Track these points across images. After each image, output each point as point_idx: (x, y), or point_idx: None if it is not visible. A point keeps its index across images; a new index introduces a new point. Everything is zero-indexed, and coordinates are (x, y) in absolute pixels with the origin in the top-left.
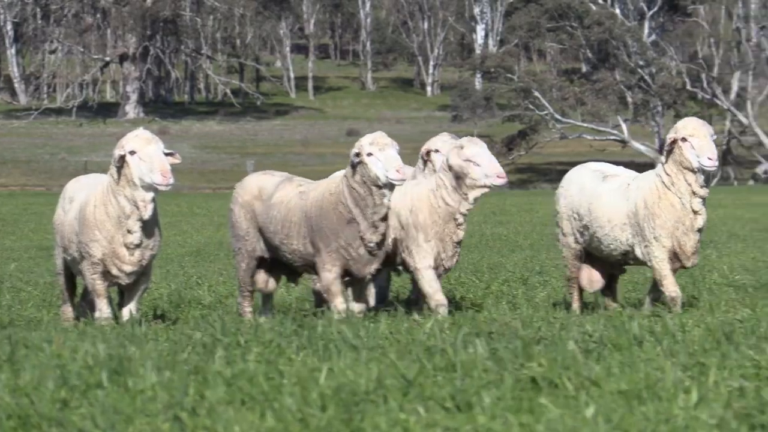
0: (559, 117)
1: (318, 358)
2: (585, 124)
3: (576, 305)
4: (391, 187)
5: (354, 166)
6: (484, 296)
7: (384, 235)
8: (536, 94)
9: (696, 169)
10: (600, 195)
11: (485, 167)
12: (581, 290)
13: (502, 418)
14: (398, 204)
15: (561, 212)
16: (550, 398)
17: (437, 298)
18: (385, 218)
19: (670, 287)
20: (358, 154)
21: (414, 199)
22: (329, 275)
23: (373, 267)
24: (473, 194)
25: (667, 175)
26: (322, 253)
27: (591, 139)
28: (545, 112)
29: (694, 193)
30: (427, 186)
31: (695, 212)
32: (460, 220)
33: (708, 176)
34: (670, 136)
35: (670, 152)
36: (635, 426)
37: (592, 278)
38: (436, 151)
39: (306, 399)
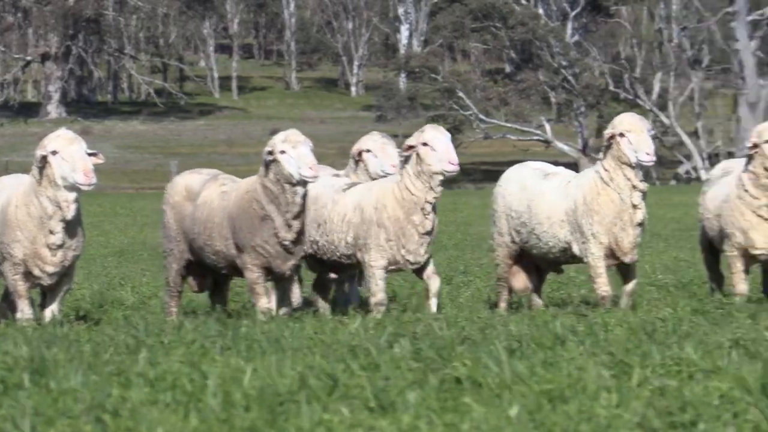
0: (483, 117)
1: (242, 358)
2: (509, 125)
3: (503, 305)
4: (304, 184)
5: (267, 164)
6: (410, 296)
7: (300, 233)
8: (460, 94)
9: (634, 165)
10: (542, 193)
11: (440, 153)
12: (510, 290)
13: (426, 418)
14: (363, 200)
15: (498, 211)
16: (474, 398)
17: (380, 297)
18: (299, 216)
19: (603, 286)
20: (271, 152)
21: (379, 195)
22: (252, 275)
23: (291, 263)
24: (432, 182)
25: (606, 170)
26: (243, 254)
27: (515, 139)
28: (469, 112)
29: (633, 187)
30: (392, 179)
31: (635, 206)
32: (428, 209)
33: (648, 171)
34: (607, 132)
35: (608, 148)
36: (558, 425)
37: (526, 283)
38: (368, 150)
39: (230, 399)
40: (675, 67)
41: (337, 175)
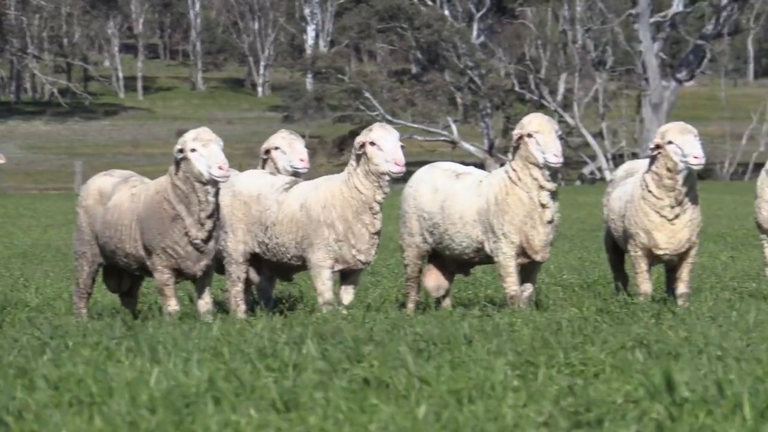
0: (390, 118)
1: (148, 360)
2: (415, 125)
3: (411, 306)
4: (214, 183)
5: (178, 163)
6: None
7: (211, 232)
8: (367, 94)
9: (541, 165)
10: (454, 193)
11: (387, 152)
12: (418, 291)
13: (333, 419)
14: (309, 199)
15: (409, 212)
16: (382, 398)
17: (327, 297)
18: (212, 215)
19: (512, 285)
20: (181, 150)
21: (327, 194)
22: (162, 277)
23: (203, 264)
24: (380, 181)
25: (514, 170)
26: (153, 256)
27: (421, 140)
28: (376, 113)
29: (541, 187)
30: (339, 178)
31: (543, 206)
32: (376, 208)
33: (555, 171)
34: (516, 132)
35: (516, 148)
36: (465, 425)
37: (440, 284)
38: (276, 148)
39: (136, 401)
40: (579, 68)
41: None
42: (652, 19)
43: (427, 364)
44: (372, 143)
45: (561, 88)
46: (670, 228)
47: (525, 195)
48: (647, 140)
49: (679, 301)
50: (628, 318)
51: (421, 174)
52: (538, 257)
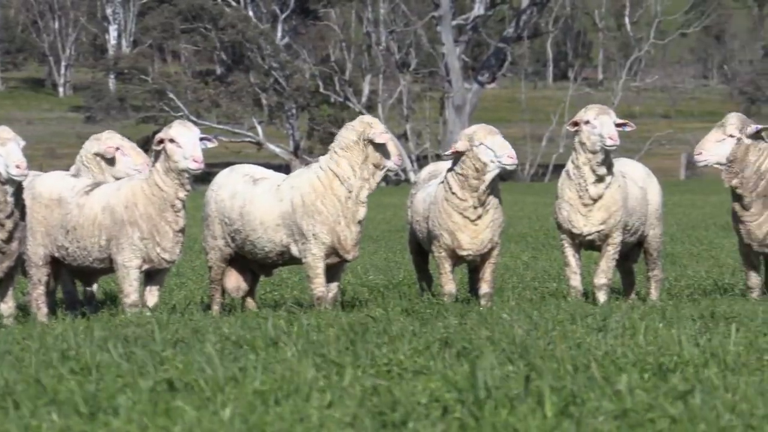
0: (195, 119)
1: None
2: (220, 126)
3: (216, 308)
4: (12, 182)
5: None
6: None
7: (12, 233)
8: (171, 95)
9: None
10: (252, 199)
11: (186, 149)
12: (223, 292)
13: (137, 422)
14: (111, 200)
15: (212, 215)
16: (187, 401)
17: (133, 299)
18: (11, 215)
19: (319, 287)
20: None
21: (128, 194)
22: None
23: (5, 265)
24: (181, 178)
25: (338, 165)
26: None
27: (227, 141)
28: (180, 114)
29: (368, 185)
30: (141, 177)
31: (362, 203)
32: (178, 206)
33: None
34: (368, 134)
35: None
36: (271, 426)
37: (239, 285)
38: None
39: None
40: (383, 69)
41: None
42: (455, 22)
43: (233, 365)
44: (171, 140)
45: (365, 90)
46: (473, 229)
47: (344, 193)
48: (450, 142)
49: (482, 301)
50: (432, 318)
51: (222, 178)
52: (349, 256)
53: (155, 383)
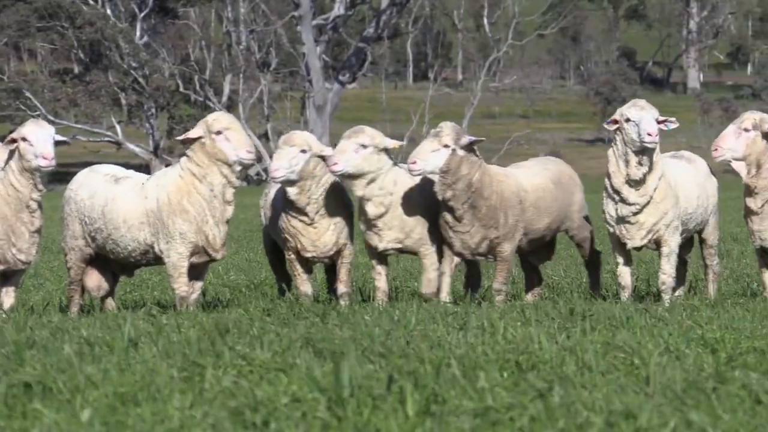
0: (53, 118)
1: None
2: (79, 126)
3: (75, 309)
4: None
5: None
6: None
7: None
8: (27, 94)
9: (232, 162)
10: (115, 197)
11: (36, 147)
12: (83, 293)
13: None
14: None
15: (71, 215)
16: (45, 403)
17: None
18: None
19: (183, 286)
20: None
21: None
22: None
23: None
24: (35, 178)
25: (199, 166)
26: None
27: (85, 141)
28: (37, 113)
29: (228, 183)
30: None
31: (228, 203)
32: (33, 206)
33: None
34: (194, 133)
35: (202, 145)
36: (131, 428)
37: (101, 285)
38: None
39: None
40: (244, 69)
41: None
42: (315, 22)
43: (92, 366)
44: (24, 139)
45: (226, 89)
46: (313, 232)
47: (208, 192)
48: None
49: (341, 301)
50: (294, 318)
51: (81, 177)
52: (218, 255)
53: (12, 385)
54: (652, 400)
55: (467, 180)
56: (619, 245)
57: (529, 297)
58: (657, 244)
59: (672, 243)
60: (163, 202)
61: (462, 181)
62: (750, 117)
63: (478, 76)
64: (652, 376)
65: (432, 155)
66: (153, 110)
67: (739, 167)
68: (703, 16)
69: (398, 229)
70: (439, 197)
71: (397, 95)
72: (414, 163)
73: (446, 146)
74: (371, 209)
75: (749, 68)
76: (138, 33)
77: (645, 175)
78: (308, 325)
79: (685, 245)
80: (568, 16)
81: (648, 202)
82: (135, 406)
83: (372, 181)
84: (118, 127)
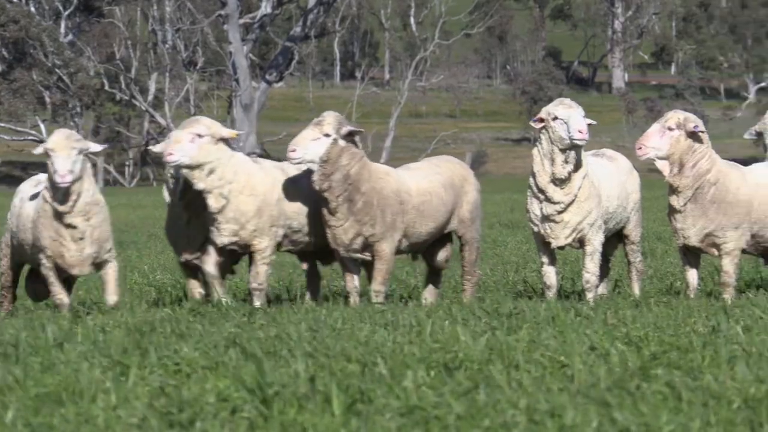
0: None
1: None
2: (2, 124)
3: (3, 314)
4: (60, 187)
5: None
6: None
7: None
8: None
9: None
10: (27, 207)
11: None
12: (14, 300)
13: None
14: None
15: (9, 223)
16: None
17: None
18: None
19: (57, 295)
20: None
21: None
22: None
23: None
24: None
25: (46, 188)
26: None
27: (9, 140)
28: None
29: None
30: None
31: (68, 225)
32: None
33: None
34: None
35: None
36: (56, 428)
37: (36, 291)
38: None
39: None
40: (170, 68)
41: None
42: (241, 21)
43: (16, 367)
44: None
45: (152, 88)
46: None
47: (50, 209)
48: (238, 141)
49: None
50: (220, 318)
51: (22, 185)
52: (75, 271)
53: None
54: (577, 398)
55: (345, 171)
56: (544, 244)
57: (427, 296)
58: (581, 242)
59: (595, 242)
60: (31, 215)
61: (339, 172)
62: (674, 116)
63: (405, 75)
64: (577, 374)
65: (312, 144)
66: (78, 109)
67: (663, 166)
68: (627, 16)
69: (234, 221)
70: (316, 188)
71: (324, 94)
72: (293, 151)
73: (327, 135)
74: (212, 202)
75: (673, 68)
76: (63, 31)
77: (570, 174)
78: (235, 325)
79: (609, 243)
80: (494, 15)
81: (572, 201)
82: (59, 407)
83: (211, 172)
84: (42, 126)
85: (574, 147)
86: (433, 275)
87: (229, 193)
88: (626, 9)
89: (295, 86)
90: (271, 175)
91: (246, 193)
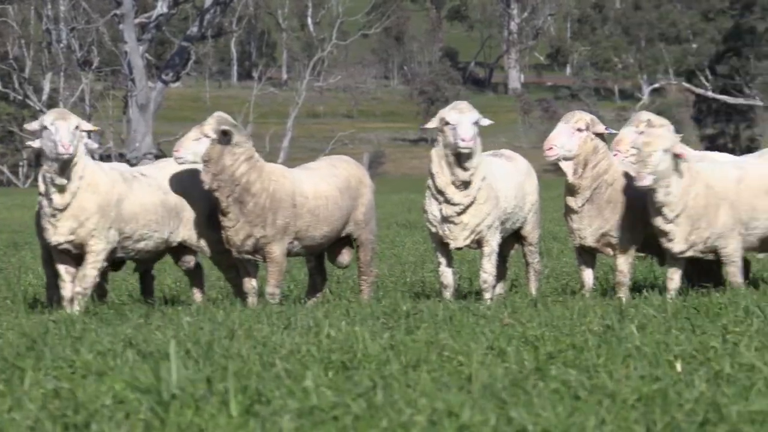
0: None
1: None
2: None
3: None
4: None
5: None
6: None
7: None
8: None
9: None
10: None
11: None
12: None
13: None
14: None
15: None
16: None
17: None
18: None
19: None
20: None
21: None
22: None
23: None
24: None
25: None
26: None
27: None
28: None
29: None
30: None
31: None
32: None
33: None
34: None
35: None
36: None
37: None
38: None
39: None
40: (65, 67)
41: None
42: (137, 20)
43: None
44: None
45: (46, 88)
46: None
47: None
48: (134, 141)
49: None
50: (116, 319)
51: None
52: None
53: None
54: (474, 397)
55: (230, 171)
56: (442, 245)
57: (310, 302)
58: (478, 243)
59: (493, 242)
60: None
61: (225, 172)
62: (582, 117)
63: (302, 75)
64: (475, 373)
65: (194, 144)
66: None
67: (567, 167)
68: (523, 17)
69: (73, 218)
70: (206, 187)
71: (221, 94)
72: (177, 151)
73: (207, 136)
74: (57, 198)
75: (568, 69)
76: None
77: (471, 177)
78: (131, 326)
79: (506, 244)
80: (391, 16)
81: (472, 203)
82: None
83: (75, 164)
84: None
85: (458, 154)
86: (318, 277)
87: (76, 190)
88: (522, 10)
89: (192, 86)
90: (110, 176)
91: (89, 191)
